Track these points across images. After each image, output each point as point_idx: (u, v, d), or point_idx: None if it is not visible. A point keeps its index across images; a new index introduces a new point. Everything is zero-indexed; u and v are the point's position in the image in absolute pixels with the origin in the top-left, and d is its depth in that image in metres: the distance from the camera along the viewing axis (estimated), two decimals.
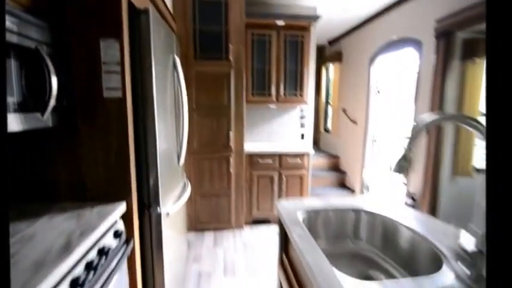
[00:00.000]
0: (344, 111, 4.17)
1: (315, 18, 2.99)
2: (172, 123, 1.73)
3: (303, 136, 3.60)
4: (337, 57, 4.33)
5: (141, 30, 1.31)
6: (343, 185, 4.24)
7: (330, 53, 4.76)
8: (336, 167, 4.46)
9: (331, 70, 4.86)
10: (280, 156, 3.06)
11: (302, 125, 3.57)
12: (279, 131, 3.55)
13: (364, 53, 3.66)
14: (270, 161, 3.04)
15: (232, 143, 2.87)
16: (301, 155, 3.07)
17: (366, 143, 3.65)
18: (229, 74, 2.76)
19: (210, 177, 2.90)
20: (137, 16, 1.30)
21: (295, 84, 3.14)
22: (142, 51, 1.32)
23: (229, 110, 2.82)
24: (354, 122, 3.89)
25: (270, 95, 3.10)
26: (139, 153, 1.38)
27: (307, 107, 3.52)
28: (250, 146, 3.27)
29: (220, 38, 2.73)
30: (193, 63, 2.72)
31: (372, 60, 3.50)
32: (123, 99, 1.23)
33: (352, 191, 4.01)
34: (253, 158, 3.03)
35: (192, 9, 2.64)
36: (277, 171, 3.09)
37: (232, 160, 2.90)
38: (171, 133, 1.69)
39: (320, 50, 5.12)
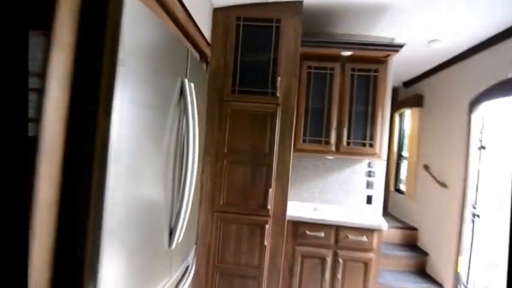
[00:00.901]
0: (426, 168, 3.12)
1: (396, 47, 2.25)
2: (165, 179, 1.08)
3: (369, 199, 2.65)
4: (416, 102, 3.42)
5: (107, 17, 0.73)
6: (422, 271, 3.01)
7: (405, 96, 3.87)
8: (411, 243, 3.27)
9: (407, 117, 3.91)
10: (338, 229, 2.17)
11: (369, 185, 2.65)
12: (336, 190, 2.68)
13: (460, 96, 2.71)
14: (322, 233, 2.16)
15: (271, 204, 2.11)
16: (368, 231, 2.14)
17: (463, 217, 2.51)
18: (274, 114, 2.12)
19: (236, 247, 2.14)
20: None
21: (364, 131, 2.33)
22: (107, 53, 0.73)
23: (271, 159, 2.12)
24: (443, 184, 2.80)
25: (327, 142, 2.34)
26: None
27: (378, 162, 2.63)
28: (295, 208, 2.46)
29: (266, 69, 2.16)
30: (230, 97, 2.17)
31: (473, 105, 2.52)
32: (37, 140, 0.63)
33: (438, 284, 2.76)
34: (298, 227, 2.20)
35: (235, 35, 2.17)
36: (332, 251, 2.17)
37: (268, 228, 2.11)
38: (158, 196, 1.03)
39: (392, 92, 4.26)
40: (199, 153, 1.19)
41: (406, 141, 3.92)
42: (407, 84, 3.83)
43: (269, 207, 2.11)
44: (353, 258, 2.15)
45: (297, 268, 2.19)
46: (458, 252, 2.51)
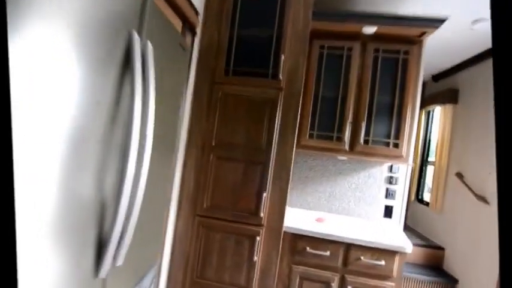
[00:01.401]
0: (459, 177, 2.60)
1: (435, 22, 1.76)
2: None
3: (389, 211, 2.18)
4: (450, 97, 2.89)
5: None
6: None
7: (435, 91, 3.33)
8: (435, 265, 2.77)
9: (436, 115, 3.37)
10: (348, 248, 1.73)
11: (389, 194, 2.18)
12: (348, 198, 2.23)
13: None
14: (327, 252, 1.73)
15: (264, 211, 1.71)
16: (388, 252, 1.69)
17: None
18: (275, 100, 1.71)
19: (219, 261, 1.75)
20: None
21: (387, 128, 1.87)
22: None
23: (268, 156, 1.71)
24: (482, 198, 2.29)
25: (340, 139, 1.89)
26: None
27: (402, 167, 2.15)
28: (296, 216, 2.03)
29: (268, 46, 1.74)
30: (223, 79, 1.78)
31: None
32: None
33: None
34: (297, 241, 1.78)
35: (232, 4, 1.76)
36: (339, 274, 1.74)
37: (260, 240, 1.71)
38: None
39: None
40: (165, 140, 0.81)
41: (433, 143, 3.38)
42: (438, 77, 3.29)
43: (262, 214, 1.70)
44: (366, 286, 1.71)
45: None
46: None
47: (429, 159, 3.46)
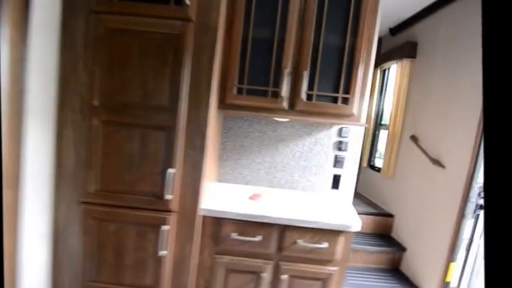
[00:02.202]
0: (414, 140, 2.39)
1: None
2: None
3: (336, 182, 1.89)
4: (407, 51, 2.58)
5: None
6: (396, 269, 2.41)
7: (391, 46, 3.02)
8: (385, 233, 2.65)
9: (392, 74, 3.09)
10: (284, 230, 1.39)
11: (338, 162, 1.87)
12: (291, 168, 1.88)
13: (474, 37, 1.89)
14: (257, 237, 1.37)
15: (174, 192, 1.27)
16: (331, 233, 1.38)
17: (464, 209, 1.83)
18: (182, 38, 1.20)
19: (116, 259, 1.32)
20: None
21: (336, 80, 1.47)
22: None
23: (174, 118, 1.24)
24: (437, 162, 2.09)
25: (276, 95, 1.46)
26: None
27: (353, 129, 1.82)
28: (226, 195, 1.64)
29: None
30: (104, 7, 1.20)
31: None
32: None
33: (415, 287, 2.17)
34: (220, 226, 1.39)
35: None
36: (273, 262, 1.41)
37: (168, 229, 1.29)
38: None
39: None
40: None
41: (387, 105, 3.14)
42: (396, 30, 2.96)
43: (169, 197, 1.26)
44: (304, 274, 1.41)
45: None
46: (450, 256, 1.86)
47: (383, 122, 3.24)
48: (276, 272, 1.41)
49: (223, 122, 1.82)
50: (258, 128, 1.84)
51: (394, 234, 2.58)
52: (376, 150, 3.30)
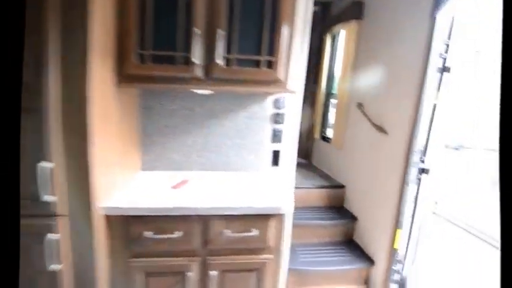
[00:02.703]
0: (360, 108, 2.28)
1: None
2: None
3: (276, 158, 1.72)
4: (354, 12, 2.40)
5: None
6: (350, 240, 2.39)
7: (339, 9, 2.82)
8: (338, 205, 2.61)
9: (342, 39, 2.92)
10: (207, 222, 1.19)
11: (276, 136, 1.68)
12: (226, 148, 1.67)
13: None
14: (176, 233, 1.16)
15: (56, 193, 1.00)
16: (259, 218, 1.21)
17: (406, 175, 1.77)
18: None
19: None
20: None
21: (257, 39, 1.23)
22: None
23: (40, 98, 0.93)
24: (380, 128, 2.01)
25: (188, 61, 1.19)
26: None
27: (291, 99, 1.63)
28: (144, 185, 1.39)
29: None
30: None
31: (437, 4, 1.58)
32: None
33: (367, 258, 2.14)
34: (130, 225, 1.15)
35: None
36: (199, 259, 1.22)
37: (61, 236, 1.03)
38: None
39: (323, 9, 3.18)
40: None
41: (337, 73, 3.01)
42: None
43: (49, 198, 0.99)
44: (236, 266, 1.25)
45: None
46: (396, 222, 1.82)
47: (333, 91, 3.12)
48: (204, 269, 1.23)
49: (139, 100, 1.53)
50: (183, 104, 1.58)
51: (346, 205, 2.55)
52: (327, 121, 3.20)
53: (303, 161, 3.52)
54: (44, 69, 0.92)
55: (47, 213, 1.01)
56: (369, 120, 2.12)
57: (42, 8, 0.89)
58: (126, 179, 1.39)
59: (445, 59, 1.61)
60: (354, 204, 2.44)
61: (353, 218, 2.37)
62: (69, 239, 1.06)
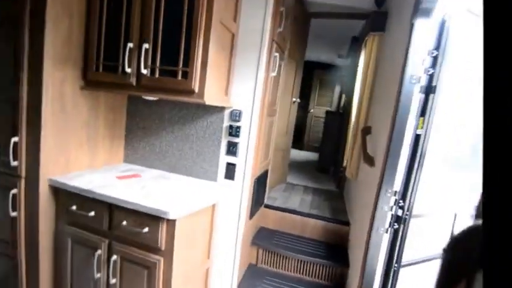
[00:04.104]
0: (364, 132, 1.89)
1: None
2: None
3: (230, 171, 1.69)
4: (375, 25, 2.06)
5: None
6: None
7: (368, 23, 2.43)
8: (340, 244, 2.20)
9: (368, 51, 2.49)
10: (111, 209, 1.35)
11: (231, 149, 1.68)
12: (186, 154, 1.79)
13: None
14: (91, 212, 1.38)
15: (19, 161, 1.40)
16: (151, 218, 1.27)
17: (373, 221, 1.36)
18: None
19: None
20: None
21: (177, 50, 1.33)
22: None
23: (17, 93, 1.36)
24: (369, 159, 1.62)
25: (124, 71, 1.42)
26: None
27: (246, 112, 1.62)
28: (96, 174, 1.68)
29: None
30: None
31: (417, 7, 1.21)
32: None
33: None
34: (66, 198, 1.45)
35: None
36: (107, 240, 1.39)
37: (18, 192, 1.43)
38: None
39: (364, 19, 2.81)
40: None
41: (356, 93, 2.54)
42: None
43: (15, 163, 1.40)
44: (133, 258, 1.34)
45: (67, 256, 1.49)
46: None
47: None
48: (110, 251, 1.38)
49: (127, 104, 1.88)
50: (156, 109, 1.82)
51: (350, 247, 2.12)
52: None
53: (333, 188, 3.13)
54: (16, 68, 1.34)
55: (13, 173, 1.43)
56: (363, 148, 1.75)
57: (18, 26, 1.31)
58: (96, 163, 1.73)
59: (430, 75, 1.21)
60: (354, 249, 2.02)
61: (346, 265, 1.97)
62: (24, 196, 1.45)
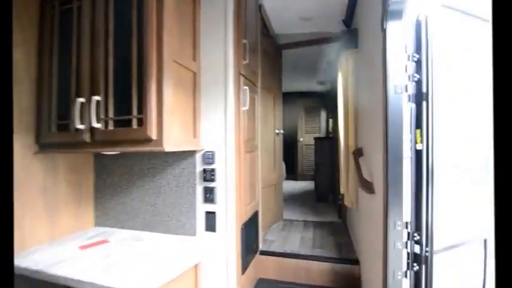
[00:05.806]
0: (356, 155, 1.73)
1: None
2: None
3: (210, 222, 1.49)
4: (352, 42, 2.02)
5: None
6: None
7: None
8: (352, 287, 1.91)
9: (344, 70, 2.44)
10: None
11: (208, 195, 1.49)
12: (163, 207, 1.60)
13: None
14: None
15: None
16: None
17: (388, 261, 1.14)
18: None
19: None
20: None
21: (130, 98, 1.21)
22: None
23: None
24: (367, 184, 1.44)
25: (76, 128, 1.28)
26: None
27: (219, 153, 1.46)
28: (64, 244, 1.46)
29: None
30: None
31: (386, 11, 1.15)
32: None
33: None
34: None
35: None
36: None
37: None
38: None
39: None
40: None
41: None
42: (346, 21, 2.39)
43: None
44: None
45: None
46: None
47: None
48: None
49: (92, 159, 1.72)
50: (123, 162, 1.66)
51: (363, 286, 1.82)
52: None
53: (335, 219, 2.88)
54: None
55: None
56: (358, 172, 1.58)
57: None
58: (59, 233, 1.51)
59: (417, 82, 1.08)
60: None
61: None
62: None
